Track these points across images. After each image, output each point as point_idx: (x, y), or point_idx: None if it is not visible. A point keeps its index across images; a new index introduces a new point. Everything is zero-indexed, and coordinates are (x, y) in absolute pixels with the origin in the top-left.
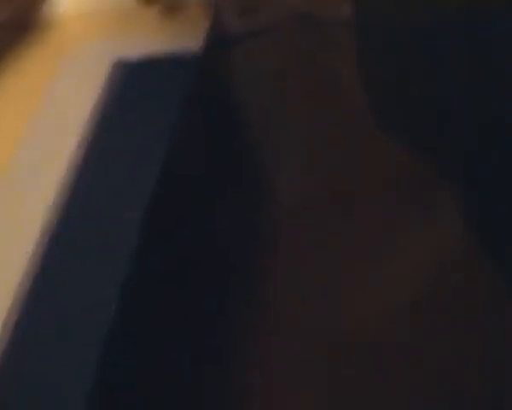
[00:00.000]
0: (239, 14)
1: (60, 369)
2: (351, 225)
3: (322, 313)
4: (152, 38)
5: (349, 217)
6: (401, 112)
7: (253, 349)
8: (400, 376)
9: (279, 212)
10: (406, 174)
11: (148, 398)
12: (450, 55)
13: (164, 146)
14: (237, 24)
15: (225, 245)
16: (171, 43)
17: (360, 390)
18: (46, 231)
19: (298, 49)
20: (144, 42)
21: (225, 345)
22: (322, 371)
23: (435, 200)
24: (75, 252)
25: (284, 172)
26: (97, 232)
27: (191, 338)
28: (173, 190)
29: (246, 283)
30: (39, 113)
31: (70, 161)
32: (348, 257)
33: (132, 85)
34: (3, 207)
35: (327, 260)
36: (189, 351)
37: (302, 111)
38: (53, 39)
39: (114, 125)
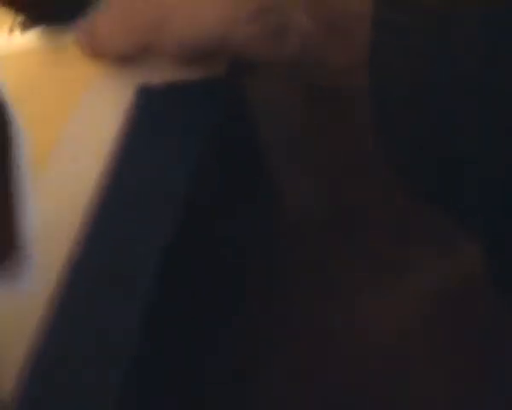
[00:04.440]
0: None
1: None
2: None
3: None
4: (177, 64)
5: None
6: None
7: (267, 360)
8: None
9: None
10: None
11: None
12: (470, 117)
13: (189, 173)
14: None
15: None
16: (196, 69)
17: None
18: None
19: None
20: (169, 68)
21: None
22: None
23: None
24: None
25: (301, 196)
26: (118, 262)
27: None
28: (196, 216)
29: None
30: (61, 142)
31: (94, 190)
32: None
33: (157, 112)
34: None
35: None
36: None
37: (323, 136)
38: (75, 65)
39: (139, 153)
